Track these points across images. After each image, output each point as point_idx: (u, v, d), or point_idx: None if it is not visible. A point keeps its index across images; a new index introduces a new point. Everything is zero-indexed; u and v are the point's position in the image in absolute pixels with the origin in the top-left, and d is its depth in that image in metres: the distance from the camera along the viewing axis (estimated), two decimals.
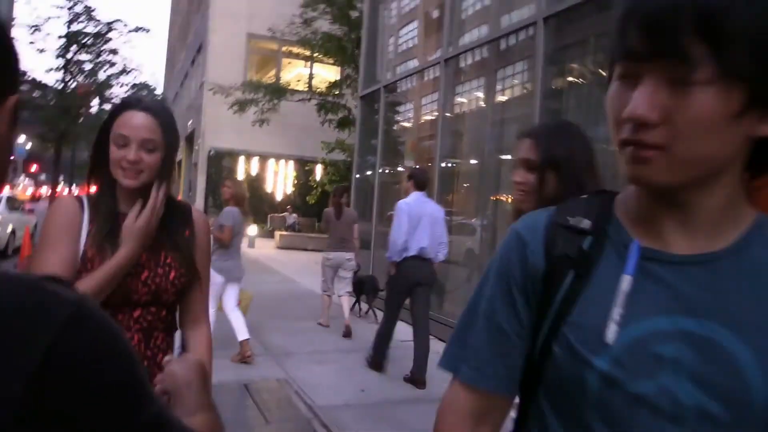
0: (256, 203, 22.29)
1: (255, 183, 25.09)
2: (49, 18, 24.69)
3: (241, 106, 17.19)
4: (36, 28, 23.23)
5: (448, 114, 8.59)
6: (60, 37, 23.82)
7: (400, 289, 5.80)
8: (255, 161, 25.39)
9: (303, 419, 4.69)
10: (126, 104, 1.75)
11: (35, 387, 0.59)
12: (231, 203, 6.28)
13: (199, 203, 25.61)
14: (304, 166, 24.02)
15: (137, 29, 25.69)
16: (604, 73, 2.34)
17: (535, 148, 1.84)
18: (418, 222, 5.64)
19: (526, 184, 1.84)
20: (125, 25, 25.76)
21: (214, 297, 6.31)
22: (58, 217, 1.73)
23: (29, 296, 0.64)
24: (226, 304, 6.17)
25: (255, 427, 4.53)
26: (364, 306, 8.84)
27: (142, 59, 77.17)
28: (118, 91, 25.40)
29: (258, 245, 18.73)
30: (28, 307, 0.63)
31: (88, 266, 1.69)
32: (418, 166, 8.74)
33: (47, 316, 0.62)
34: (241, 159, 25.51)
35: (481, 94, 8.51)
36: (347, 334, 7.38)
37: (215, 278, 6.26)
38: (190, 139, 27.88)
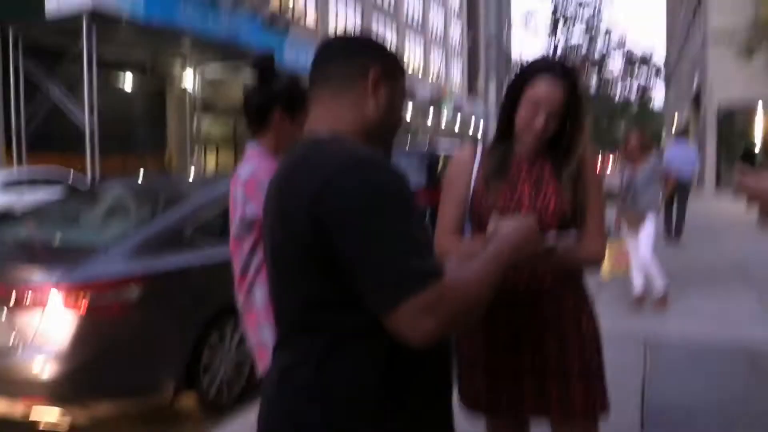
0: None
1: None
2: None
3: (749, 49, 15.13)
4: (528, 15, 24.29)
5: None
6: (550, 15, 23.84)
7: None
8: None
9: None
10: (540, 69, 1.85)
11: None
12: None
13: (709, 167, 23.71)
14: None
15: None
16: None
17: None
18: None
19: None
20: None
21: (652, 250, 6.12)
22: (453, 162, 2.05)
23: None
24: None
25: (748, 389, 4.00)
26: None
27: (637, 25, 74.72)
28: (614, 65, 24.93)
29: None
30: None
31: (479, 201, 1.92)
32: None
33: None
34: (759, 112, 22.44)
35: None
36: None
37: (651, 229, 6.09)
38: (697, 99, 25.97)
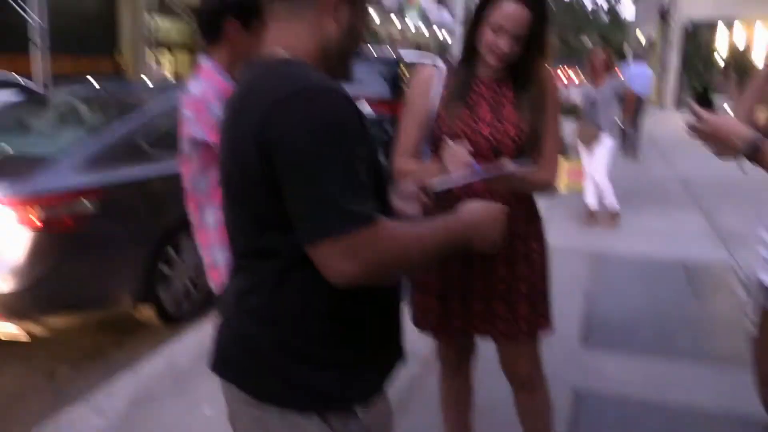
0: (744, 79, 19.50)
1: (741, 55, 21.94)
2: None
3: None
4: None
5: None
6: None
7: None
8: (739, 29, 22.04)
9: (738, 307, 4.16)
10: None
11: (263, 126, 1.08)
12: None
13: (671, 84, 23.88)
14: None
15: None
16: None
17: None
18: None
19: None
20: None
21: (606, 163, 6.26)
22: (415, 83, 2.03)
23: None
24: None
25: (685, 304, 4.24)
26: None
27: None
28: None
29: None
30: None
31: (439, 123, 1.93)
32: None
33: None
34: (721, 28, 22.47)
35: None
36: None
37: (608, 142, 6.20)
38: (664, 15, 25.78)
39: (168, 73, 20.95)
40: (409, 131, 1.98)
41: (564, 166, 7.24)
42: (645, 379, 3.15)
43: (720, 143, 1.64)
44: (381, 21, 26.72)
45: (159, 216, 3.77)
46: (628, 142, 10.40)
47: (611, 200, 6.27)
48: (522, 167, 1.77)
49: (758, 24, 20.13)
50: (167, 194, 3.70)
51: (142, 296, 3.70)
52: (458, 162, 1.74)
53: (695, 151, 11.01)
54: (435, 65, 2.03)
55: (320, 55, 1.23)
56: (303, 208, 1.07)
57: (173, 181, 3.57)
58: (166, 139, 3.82)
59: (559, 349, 3.24)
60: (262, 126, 1.09)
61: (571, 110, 6.76)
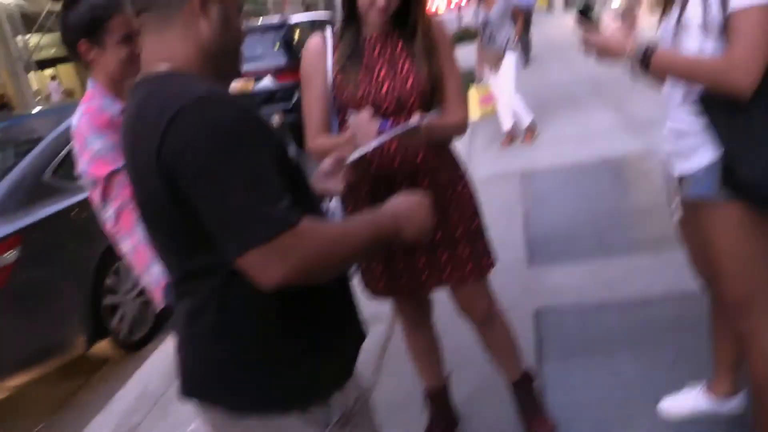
0: None
1: None
2: None
3: None
4: None
5: None
6: None
7: None
8: None
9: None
10: None
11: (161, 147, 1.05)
12: None
13: None
14: None
15: None
16: None
17: None
18: None
19: None
20: None
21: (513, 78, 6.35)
22: (306, 57, 2.00)
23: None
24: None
25: (613, 200, 4.46)
26: None
27: None
28: None
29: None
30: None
31: (339, 90, 1.92)
32: None
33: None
34: None
35: None
36: None
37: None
38: None
39: (59, 92, 19.72)
40: (312, 108, 1.98)
41: (474, 96, 7.35)
42: (593, 281, 3.33)
43: (612, 56, 1.73)
44: None
45: (89, 247, 3.64)
46: (523, 54, 10.81)
47: (525, 116, 6.44)
48: (430, 116, 1.80)
49: None
50: (90, 222, 3.58)
51: (95, 333, 3.61)
52: (366, 131, 1.76)
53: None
54: (321, 34, 2.01)
55: (202, 59, 1.20)
56: (219, 224, 1.06)
57: (90, 206, 3.46)
58: (73, 166, 3.67)
59: (511, 276, 3.38)
60: (160, 149, 1.06)
61: (468, 34, 6.79)
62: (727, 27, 1.58)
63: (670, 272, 3.15)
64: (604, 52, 1.74)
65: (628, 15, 1.86)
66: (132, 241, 1.95)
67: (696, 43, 1.66)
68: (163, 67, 1.17)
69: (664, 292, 3.07)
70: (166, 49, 1.19)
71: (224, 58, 1.24)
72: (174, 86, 1.13)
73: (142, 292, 3.91)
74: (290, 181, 1.16)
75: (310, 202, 1.28)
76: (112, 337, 3.72)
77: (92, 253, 3.65)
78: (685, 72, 1.66)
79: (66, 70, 21.14)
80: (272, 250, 1.04)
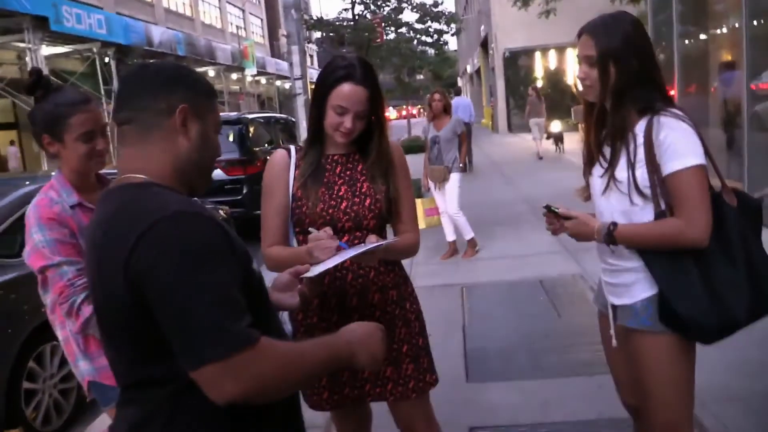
0: (557, 98, 21.55)
1: (555, 77, 24.25)
2: None
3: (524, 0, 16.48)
4: None
5: None
6: None
7: None
8: (552, 55, 24.41)
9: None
10: (342, 77, 1.94)
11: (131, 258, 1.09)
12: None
13: (501, 106, 25.77)
14: None
15: None
16: None
17: (592, 42, 1.86)
18: None
19: (589, 79, 1.89)
20: None
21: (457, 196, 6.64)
22: (269, 169, 2.09)
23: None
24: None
25: (548, 321, 4.59)
26: None
27: None
28: (410, 16, 25.72)
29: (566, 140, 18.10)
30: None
31: (299, 204, 2.00)
32: None
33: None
34: (537, 55, 24.76)
35: None
36: None
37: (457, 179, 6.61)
38: (485, 45, 27.89)
39: (17, 157, 18.33)
40: (270, 219, 2.05)
41: (419, 207, 7.59)
42: (527, 402, 3.37)
43: (584, 238, 1.96)
44: (217, 77, 26.54)
45: (12, 330, 3.47)
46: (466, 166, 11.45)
47: (468, 231, 6.66)
48: (386, 240, 1.90)
49: (569, 51, 22.48)
50: (16, 303, 3.44)
51: (7, 422, 3.37)
52: (325, 249, 1.82)
53: (532, 171, 11.93)
54: (285, 149, 2.11)
55: (176, 174, 1.25)
56: (180, 337, 1.08)
57: (19, 287, 3.34)
58: (7, 243, 3.56)
59: (449, 391, 3.36)
60: (128, 261, 1.09)
61: (417, 145, 7.06)
62: (658, 187, 1.77)
63: (602, 396, 3.22)
64: (577, 236, 1.96)
65: (579, 191, 2.10)
66: (64, 333, 2.00)
67: (625, 201, 1.86)
68: (136, 178, 1.22)
69: (597, 416, 3.13)
70: (143, 160, 1.24)
71: (197, 173, 1.29)
72: (149, 199, 1.17)
73: (65, 379, 3.73)
74: (251, 294, 1.20)
75: (269, 316, 1.31)
76: (26, 426, 3.48)
77: (16, 337, 3.47)
78: (646, 239, 1.84)
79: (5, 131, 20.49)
80: (229, 367, 1.06)
